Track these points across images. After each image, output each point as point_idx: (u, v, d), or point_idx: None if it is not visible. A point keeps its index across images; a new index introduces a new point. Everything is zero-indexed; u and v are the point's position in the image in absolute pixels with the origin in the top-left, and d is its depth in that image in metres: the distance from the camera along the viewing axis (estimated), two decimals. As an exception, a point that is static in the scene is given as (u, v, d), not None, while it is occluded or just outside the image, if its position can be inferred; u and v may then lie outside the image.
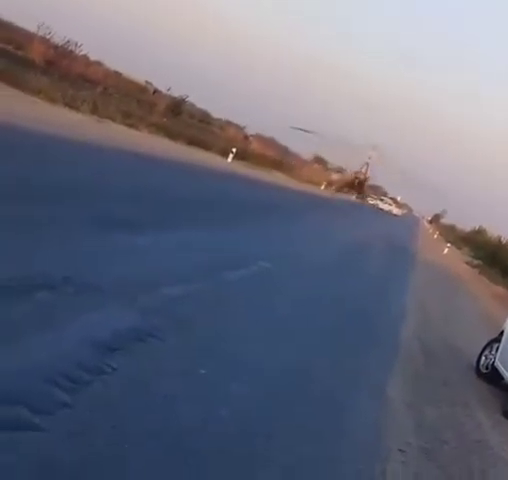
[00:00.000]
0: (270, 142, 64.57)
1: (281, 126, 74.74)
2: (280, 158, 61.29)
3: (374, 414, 7.14)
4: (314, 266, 15.43)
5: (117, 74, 46.78)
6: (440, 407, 8.57)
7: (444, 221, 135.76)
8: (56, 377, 4.56)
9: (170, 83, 45.81)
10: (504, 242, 55.25)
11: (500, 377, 10.75)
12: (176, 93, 44.86)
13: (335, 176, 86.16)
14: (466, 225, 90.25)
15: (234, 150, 38.47)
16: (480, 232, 74.42)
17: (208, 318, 7.46)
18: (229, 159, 37.59)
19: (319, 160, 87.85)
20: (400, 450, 6.39)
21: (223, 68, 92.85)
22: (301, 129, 38.17)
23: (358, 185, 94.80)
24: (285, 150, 69.99)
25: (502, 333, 11.75)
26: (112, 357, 5.25)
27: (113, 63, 44.66)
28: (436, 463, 6.54)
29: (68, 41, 31.70)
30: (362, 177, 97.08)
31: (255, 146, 57.62)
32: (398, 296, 16.98)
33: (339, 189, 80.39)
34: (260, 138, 62.88)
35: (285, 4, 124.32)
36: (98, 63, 42.01)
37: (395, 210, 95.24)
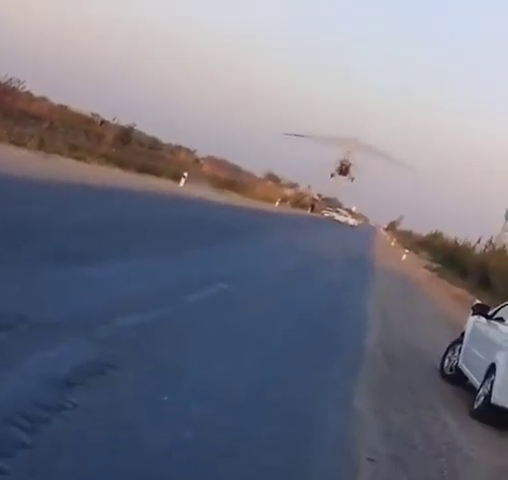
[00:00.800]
0: (222, 163, 64.79)
1: (232, 146, 75.00)
2: (233, 178, 61.44)
3: (341, 424, 7.18)
4: (273, 282, 15.50)
5: (63, 108, 46.50)
6: (407, 412, 8.65)
7: (401, 228, 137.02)
8: (14, 417, 4.51)
9: (117, 113, 45.62)
10: (461, 244, 55.87)
11: (464, 378, 10.88)
12: (123, 122, 44.77)
13: (289, 192, 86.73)
14: (423, 230, 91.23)
15: (186, 174, 38.51)
16: (436, 236, 75.10)
17: (167, 344, 7.45)
18: (181, 183, 37.61)
19: (272, 177, 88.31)
20: (369, 459, 6.42)
21: (171, 93, 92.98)
22: (294, 134, 37.58)
23: (312, 200, 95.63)
24: (238, 170, 70.24)
25: (463, 334, 11.90)
26: (71, 392, 5.21)
27: (58, 97, 44.45)
28: (405, 469, 6.59)
29: (10, 79, 31.49)
30: (316, 197, 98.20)
31: (207, 168, 57.77)
32: (359, 304, 17.12)
33: (294, 204, 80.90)
34: (212, 160, 63.07)
35: (221, 22, 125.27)
36: (43, 98, 41.78)
37: (351, 221, 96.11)
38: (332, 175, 31.69)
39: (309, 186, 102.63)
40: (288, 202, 77.64)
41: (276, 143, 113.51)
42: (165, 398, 5.87)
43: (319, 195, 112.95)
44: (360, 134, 34.71)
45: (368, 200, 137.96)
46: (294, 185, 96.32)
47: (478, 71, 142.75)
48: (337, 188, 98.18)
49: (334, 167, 30.79)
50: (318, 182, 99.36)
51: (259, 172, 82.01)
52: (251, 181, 68.99)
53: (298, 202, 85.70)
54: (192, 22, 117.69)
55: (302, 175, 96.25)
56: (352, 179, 32.90)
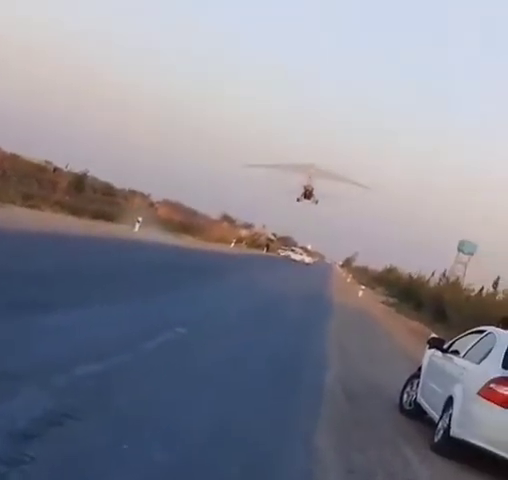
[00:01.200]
0: (177, 206, 64.75)
1: (187, 189, 75.18)
2: (188, 221, 61.50)
3: (302, 464, 7.20)
4: (232, 324, 15.53)
5: (15, 157, 46.27)
6: (368, 449, 8.69)
7: (356, 264, 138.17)
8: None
9: (70, 160, 45.59)
10: (415, 278, 56.53)
11: (423, 412, 10.97)
12: (77, 169, 44.78)
13: (244, 232, 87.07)
14: (378, 265, 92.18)
15: (140, 219, 38.51)
16: (391, 271, 75.93)
17: (126, 392, 7.43)
18: (136, 228, 37.59)
19: (227, 218, 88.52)
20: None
21: (123, 138, 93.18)
22: (257, 165, 37.48)
23: (267, 240, 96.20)
24: (193, 212, 70.37)
25: (421, 368, 12.02)
26: (29, 445, 5.16)
27: (9, 146, 44.20)
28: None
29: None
30: (271, 237, 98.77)
31: (162, 212, 57.64)
32: (318, 342, 17.21)
33: (250, 245, 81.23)
34: (167, 204, 63.03)
35: (172, 65, 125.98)
36: (-6, 148, 41.51)
37: (307, 259, 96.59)
38: (298, 199, 33.62)
39: (264, 226, 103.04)
40: (244, 243, 77.96)
41: (232, 181, 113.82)
42: (125, 446, 5.85)
43: (274, 235, 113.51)
44: (317, 160, 36.43)
45: (323, 237, 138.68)
46: (249, 225, 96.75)
47: (444, 97, 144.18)
48: (296, 220, 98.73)
49: (299, 193, 32.56)
50: (274, 220, 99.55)
51: (214, 214, 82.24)
52: (206, 223, 69.13)
53: (254, 242, 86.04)
54: (142, 67, 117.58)
55: (258, 214, 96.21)
56: (316, 202, 34.87)
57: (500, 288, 31.20)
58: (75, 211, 32.04)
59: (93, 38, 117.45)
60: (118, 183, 59.27)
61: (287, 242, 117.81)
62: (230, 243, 66.87)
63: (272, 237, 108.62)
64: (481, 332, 10.83)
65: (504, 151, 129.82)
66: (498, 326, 11.87)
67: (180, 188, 73.89)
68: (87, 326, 10.04)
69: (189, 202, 69.80)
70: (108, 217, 36.64)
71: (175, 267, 25.46)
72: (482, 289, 37.61)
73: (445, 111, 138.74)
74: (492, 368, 9.13)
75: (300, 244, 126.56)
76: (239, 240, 74.86)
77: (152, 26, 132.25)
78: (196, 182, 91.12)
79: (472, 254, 71.03)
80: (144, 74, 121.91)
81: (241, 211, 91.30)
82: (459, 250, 71.74)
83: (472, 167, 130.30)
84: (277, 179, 32.97)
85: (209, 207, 78.00)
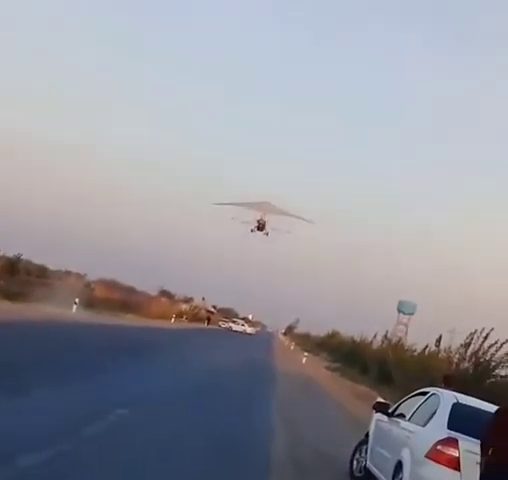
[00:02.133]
0: (114, 284, 64.27)
1: (123, 267, 74.68)
2: (127, 299, 60.96)
3: None
4: (175, 401, 15.27)
5: None
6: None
7: (298, 331, 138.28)
8: None
9: (2, 244, 45.11)
10: (358, 341, 56.72)
11: (374, 478, 10.87)
12: (10, 253, 44.23)
13: (184, 306, 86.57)
14: (320, 331, 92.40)
15: (77, 300, 37.99)
16: (334, 335, 76.11)
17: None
18: (74, 310, 37.03)
19: (165, 294, 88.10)
20: None
21: (56, 219, 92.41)
22: (223, 203, 42.36)
23: (208, 312, 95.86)
24: (131, 290, 69.85)
25: (368, 434, 11.97)
26: None
27: None
28: None
29: None
30: (211, 309, 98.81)
31: (99, 291, 57.11)
32: (263, 413, 17.02)
33: (191, 319, 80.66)
34: (103, 283, 62.45)
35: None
36: None
37: (249, 329, 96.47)
38: (252, 230, 37.29)
39: (203, 298, 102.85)
40: (184, 317, 77.36)
41: (168, 261, 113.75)
42: None
43: (214, 307, 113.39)
44: (272, 198, 40.94)
45: (264, 305, 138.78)
46: (189, 299, 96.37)
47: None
48: (237, 289, 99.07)
49: (253, 225, 36.29)
50: (213, 293, 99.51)
51: (153, 290, 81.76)
52: (145, 300, 68.60)
53: (194, 316, 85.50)
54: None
55: (197, 288, 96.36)
56: (267, 234, 38.24)
57: (443, 346, 31.42)
58: (9, 295, 31.44)
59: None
60: (53, 264, 58.71)
61: (228, 313, 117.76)
62: (170, 318, 66.29)
63: (212, 309, 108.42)
64: (425, 394, 10.87)
65: (440, 215, 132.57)
66: (441, 385, 11.99)
67: (116, 266, 73.39)
68: (27, 413, 9.75)
69: (126, 279, 69.48)
70: (44, 300, 35.99)
71: (114, 347, 25.05)
72: (425, 348, 37.88)
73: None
74: (438, 430, 9.11)
75: (241, 315, 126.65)
76: (179, 315, 74.32)
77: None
78: (132, 259, 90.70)
79: (412, 314, 72.04)
80: (84, 168, 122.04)
81: (180, 285, 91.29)
82: (399, 311, 72.65)
83: (406, 228, 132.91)
84: (237, 215, 38.54)
85: (147, 283, 77.66)
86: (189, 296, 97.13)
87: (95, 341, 25.34)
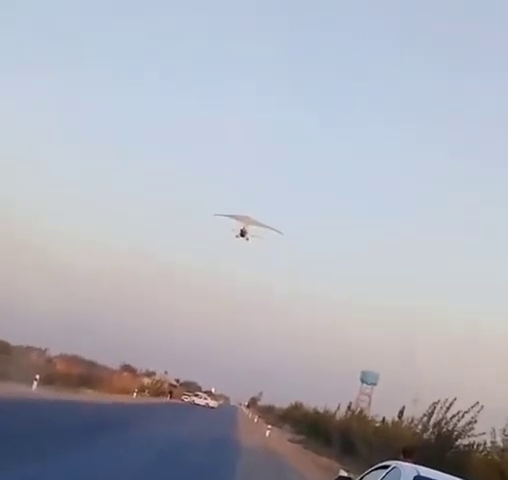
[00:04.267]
0: (75, 360, 63.63)
1: (86, 344, 74.02)
2: (88, 374, 60.20)
3: None
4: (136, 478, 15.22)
5: None
6: None
7: (262, 403, 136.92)
8: None
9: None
10: (321, 412, 56.55)
11: None
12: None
13: (146, 381, 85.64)
14: (283, 402, 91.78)
15: (38, 376, 37.53)
16: (297, 407, 75.67)
17: None
18: (34, 386, 36.54)
19: (127, 368, 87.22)
20: None
21: (14, 295, 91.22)
22: (224, 215, 50.57)
23: (170, 386, 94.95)
24: (92, 364, 69.04)
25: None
26: None
27: None
28: None
29: None
30: (174, 383, 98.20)
31: (61, 367, 56.52)
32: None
33: (153, 393, 79.73)
34: (64, 358, 61.87)
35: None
36: None
37: (212, 403, 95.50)
38: (237, 236, 47.67)
39: (166, 372, 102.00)
40: (146, 392, 76.48)
41: (133, 336, 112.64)
42: None
43: (177, 380, 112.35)
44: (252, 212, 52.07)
45: (226, 378, 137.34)
46: (151, 373, 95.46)
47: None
48: (198, 362, 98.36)
49: (237, 232, 46.76)
50: (176, 366, 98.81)
51: (115, 364, 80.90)
52: (107, 374, 67.77)
53: (157, 390, 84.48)
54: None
55: (160, 361, 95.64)
56: (247, 239, 47.70)
57: (406, 416, 31.58)
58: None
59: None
60: (14, 340, 58.03)
61: (191, 387, 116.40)
62: (132, 393, 65.48)
63: (175, 383, 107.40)
64: (386, 467, 10.81)
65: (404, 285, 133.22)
66: (400, 457, 12.10)
67: (78, 340, 72.67)
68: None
69: (89, 354, 68.85)
70: (3, 376, 35.50)
71: (74, 424, 24.66)
72: (383, 420, 38.16)
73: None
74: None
75: (204, 388, 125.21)
76: (141, 389, 73.47)
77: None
78: (94, 333, 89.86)
79: (375, 384, 71.95)
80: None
81: (142, 359, 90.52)
82: (362, 381, 72.51)
83: (362, 298, 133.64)
84: (229, 224, 48.60)
85: (109, 358, 76.97)
86: (151, 370, 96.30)
87: (54, 419, 24.93)
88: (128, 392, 64.02)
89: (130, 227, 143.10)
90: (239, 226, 48.11)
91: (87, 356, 68.37)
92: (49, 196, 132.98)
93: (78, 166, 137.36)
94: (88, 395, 47.27)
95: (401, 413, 31.73)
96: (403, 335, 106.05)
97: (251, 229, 48.13)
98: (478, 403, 23.75)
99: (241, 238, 48.63)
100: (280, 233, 50.28)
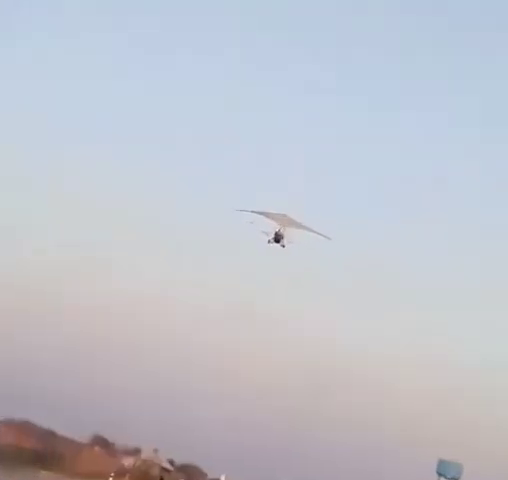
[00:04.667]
0: (27, 427, 53.37)
1: (40, 404, 59.42)
2: (45, 447, 49.07)
3: None
4: None
5: None
6: None
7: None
8: None
9: None
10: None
11: None
12: None
13: (127, 461, 70.09)
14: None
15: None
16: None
17: None
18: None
19: (100, 442, 71.46)
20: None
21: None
22: (253, 211, 40.90)
23: (162, 471, 78.30)
24: (51, 434, 57.10)
25: None
26: None
27: None
28: None
29: None
30: (167, 466, 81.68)
31: (7, 437, 49.29)
32: None
33: (137, 479, 64.74)
34: (12, 425, 52.50)
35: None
36: None
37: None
38: (269, 241, 39.11)
39: (155, 450, 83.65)
40: (127, 477, 61.99)
41: (109, 398, 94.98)
42: None
43: (171, 462, 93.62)
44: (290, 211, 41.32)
45: (241, 460, 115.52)
46: (134, 451, 78.24)
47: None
48: (202, 441, 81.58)
49: (271, 236, 38.40)
50: (169, 442, 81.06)
51: (83, 436, 65.84)
52: (71, 450, 55.82)
53: (143, 476, 69.51)
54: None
55: (146, 434, 78.10)
56: (283, 246, 39.09)
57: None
58: None
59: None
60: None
61: (191, 473, 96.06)
62: (107, 478, 51.98)
63: (168, 466, 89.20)
64: None
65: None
66: None
67: (31, 402, 58.14)
68: None
69: (45, 421, 55.38)
70: None
71: None
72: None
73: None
74: None
75: (211, 475, 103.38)
76: (120, 473, 59.38)
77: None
78: (53, 392, 73.78)
79: (457, 479, 58.33)
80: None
81: (121, 430, 73.08)
82: (440, 474, 58.64)
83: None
84: (256, 223, 40.58)
85: (74, 426, 62.06)
86: (135, 446, 78.68)
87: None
88: (101, 477, 50.61)
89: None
90: (273, 228, 40.46)
91: (43, 423, 54.74)
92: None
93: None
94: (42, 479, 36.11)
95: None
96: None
97: (289, 232, 40.58)
98: None
99: (275, 244, 41.04)
100: (327, 238, 41.55)
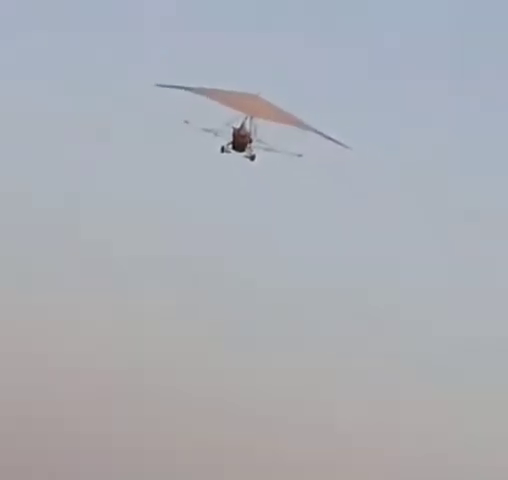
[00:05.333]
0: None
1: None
2: None
3: None
4: None
5: None
6: None
7: None
8: None
9: None
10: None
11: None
12: None
13: None
14: None
15: None
16: None
17: None
18: None
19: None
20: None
21: None
22: (172, 86, 18.66)
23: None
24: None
25: None
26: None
27: None
28: None
29: None
30: None
31: None
32: None
33: None
34: None
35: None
36: None
37: None
38: (223, 149, 16.99)
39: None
40: None
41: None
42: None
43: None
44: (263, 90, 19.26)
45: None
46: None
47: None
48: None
49: (227, 138, 16.77)
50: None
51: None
52: None
53: None
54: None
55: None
56: (252, 157, 16.96)
57: None
58: None
59: None
60: None
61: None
62: None
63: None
64: None
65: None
66: None
67: None
68: None
69: None
70: None
71: None
72: None
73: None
74: None
75: None
76: None
77: None
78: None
79: None
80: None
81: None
82: None
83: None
84: (194, 111, 19.24)
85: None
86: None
87: None
88: None
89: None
90: (230, 122, 19.41)
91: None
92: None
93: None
94: None
95: None
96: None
97: (262, 131, 19.29)
98: None
99: (234, 154, 19.73)
100: (345, 147, 20.39)
